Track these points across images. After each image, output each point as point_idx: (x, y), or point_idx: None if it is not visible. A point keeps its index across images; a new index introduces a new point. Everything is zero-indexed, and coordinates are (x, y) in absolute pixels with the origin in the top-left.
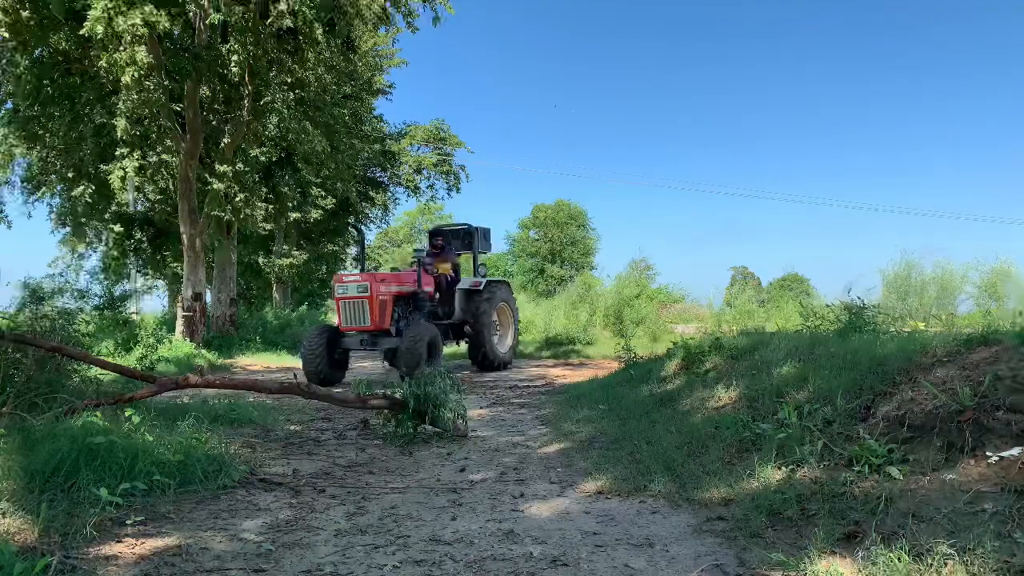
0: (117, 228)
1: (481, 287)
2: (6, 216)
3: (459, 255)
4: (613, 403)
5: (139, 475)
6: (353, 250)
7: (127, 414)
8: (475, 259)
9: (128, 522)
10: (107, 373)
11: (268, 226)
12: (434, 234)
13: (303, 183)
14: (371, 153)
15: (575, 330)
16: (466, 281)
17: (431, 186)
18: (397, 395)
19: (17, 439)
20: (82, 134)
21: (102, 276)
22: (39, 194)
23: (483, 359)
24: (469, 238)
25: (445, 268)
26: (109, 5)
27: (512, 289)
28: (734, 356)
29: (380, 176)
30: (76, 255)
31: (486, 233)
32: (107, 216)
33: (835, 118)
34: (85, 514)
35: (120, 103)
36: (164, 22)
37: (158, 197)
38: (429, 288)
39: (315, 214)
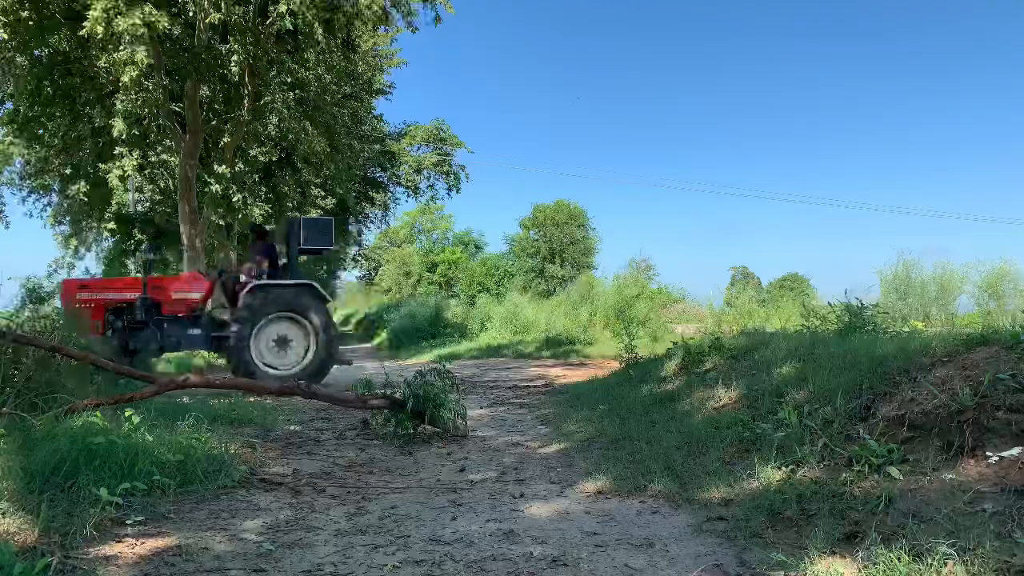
0: (113, 226)
1: (246, 290)
2: (5, 216)
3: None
4: (613, 403)
5: (139, 475)
6: (353, 250)
7: (127, 414)
8: (291, 258)
9: (128, 522)
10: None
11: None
12: (252, 229)
13: (303, 183)
14: (371, 153)
15: (575, 330)
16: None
17: (431, 186)
18: (397, 395)
19: (17, 439)
20: (81, 134)
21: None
22: (35, 184)
23: (236, 365)
24: (288, 232)
25: (248, 268)
26: (109, 5)
27: (322, 294)
28: (734, 356)
29: (380, 176)
30: (76, 255)
31: (318, 225)
32: (106, 215)
33: (835, 118)
34: (85, 514)
35: (118, 103)
36: (164, 22)
37: (158, 197)
38: (196, 294)
39: (315, 214)
